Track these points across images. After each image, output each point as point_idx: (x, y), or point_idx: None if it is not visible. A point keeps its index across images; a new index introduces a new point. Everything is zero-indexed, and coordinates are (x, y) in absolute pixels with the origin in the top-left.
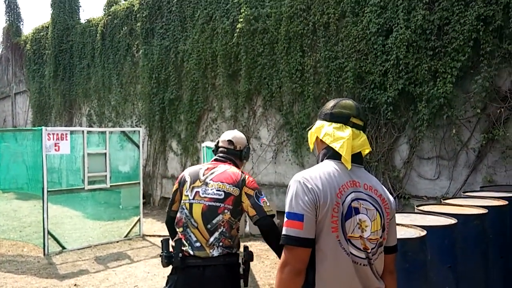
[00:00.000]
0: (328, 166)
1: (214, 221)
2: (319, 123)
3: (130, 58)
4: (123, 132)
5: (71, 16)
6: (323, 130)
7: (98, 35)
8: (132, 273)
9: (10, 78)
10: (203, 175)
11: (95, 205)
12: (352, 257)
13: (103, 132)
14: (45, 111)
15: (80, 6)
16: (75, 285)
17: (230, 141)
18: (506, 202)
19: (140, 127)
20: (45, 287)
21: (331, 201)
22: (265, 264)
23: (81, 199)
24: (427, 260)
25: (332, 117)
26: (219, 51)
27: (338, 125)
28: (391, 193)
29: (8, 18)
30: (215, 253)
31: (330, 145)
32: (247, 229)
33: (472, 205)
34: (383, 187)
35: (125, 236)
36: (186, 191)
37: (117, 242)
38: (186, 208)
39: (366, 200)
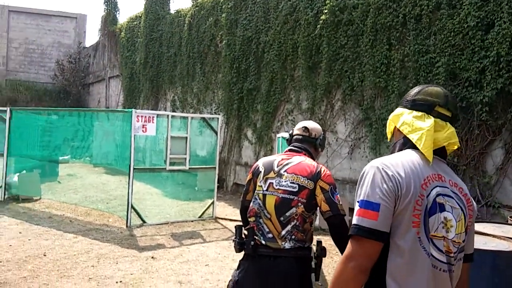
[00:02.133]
0: (411, 155)
1: (287, 214)
2: (398, 110)
3: (214, 48)
4: (203, 118)
5: (162, 6)
6: (401, 119)
7: (185, 25)
8: (204, 252)
9: (106, 63)
10: (277, 166)
11: (174, 185)
12: (432, 259)
13: (185, 117)
14: (134, 95)
15: None
16: (152, 257)
17: (305, 128)
18: None
19: (219, 114)
20: (126, 256)
21: (414, 191)
22: (334, 260)
23: (162, 178)
24: None
25: (414, 105)
26: (301, 42)
27: (420, 113)
28: (479, 201)
29: (106, 7)
30: (287, 245)
31: (407, 136)
32: (317, 222)
33: None
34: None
35: (199, 217)
36: (260, 182)
37: (192, 221)
38: (260, 199)
39: (452, 198)
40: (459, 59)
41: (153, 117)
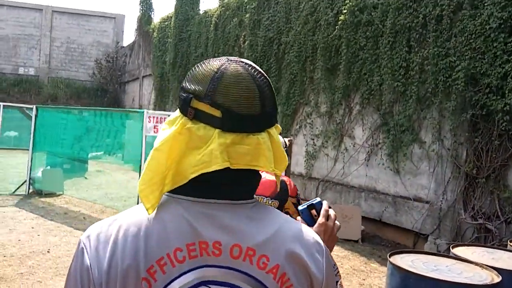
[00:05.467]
0: (161, 210)
1: None
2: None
3: (238, 49)
4: None
5: (192, 7)
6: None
7: (212, 25)
8: None
9: (140, 63)
10: None
11: None
12: None
13: None
14: (164, 94)
15: None
16: None
17: None
18: None
19: None
20: None
21: None
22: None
23: None
24: None
25: (178, 100)
26: (320, 43)
27: (176, 115)
28: (497, 217)
29: (141, 8)
30: None
31: None
32: None
33: None
34: (314, 250)
35: None
36: None
37: None
38: None
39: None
40: (480, 63)
41: (165, 118)
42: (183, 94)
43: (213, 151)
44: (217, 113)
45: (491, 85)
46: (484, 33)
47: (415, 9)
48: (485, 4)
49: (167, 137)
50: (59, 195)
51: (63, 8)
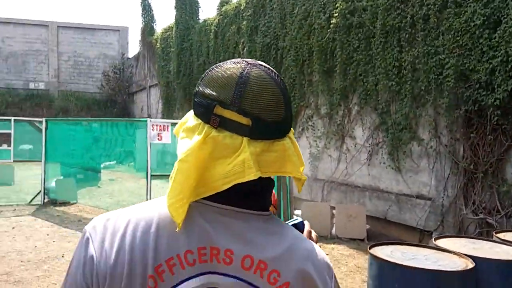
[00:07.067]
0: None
1: None
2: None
3: (238, 55)
4: None
5: (191, 16)
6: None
7: (211, 34)
8: None
9: (146, 73)
10: None
11: None
12: None
13: None
14: (171, 103)
15: (200, 7)
16: None
17: None
18: None
19: None
20: None
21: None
22: (341, 270)
23: None
24: None
25: (195, 106)
26: (315, 47)
27: (195, 122)
28: (498, 211)
29: (144, 20)
30: None
31: None
32: (334, 231)
33: None
34: (325, 273)
35: None
36: None
37: None
38: None
39: None
40: (468, 59)
41: (167, 125)
42: (203, 101)
43: (246, 161)
44: (245, 121)
45: (481, 81)
46: (469, 30)
47: (403, 10)
48: (468, 2)
49: (192, 147)
50: (73, 203)
51: (68, 23)
